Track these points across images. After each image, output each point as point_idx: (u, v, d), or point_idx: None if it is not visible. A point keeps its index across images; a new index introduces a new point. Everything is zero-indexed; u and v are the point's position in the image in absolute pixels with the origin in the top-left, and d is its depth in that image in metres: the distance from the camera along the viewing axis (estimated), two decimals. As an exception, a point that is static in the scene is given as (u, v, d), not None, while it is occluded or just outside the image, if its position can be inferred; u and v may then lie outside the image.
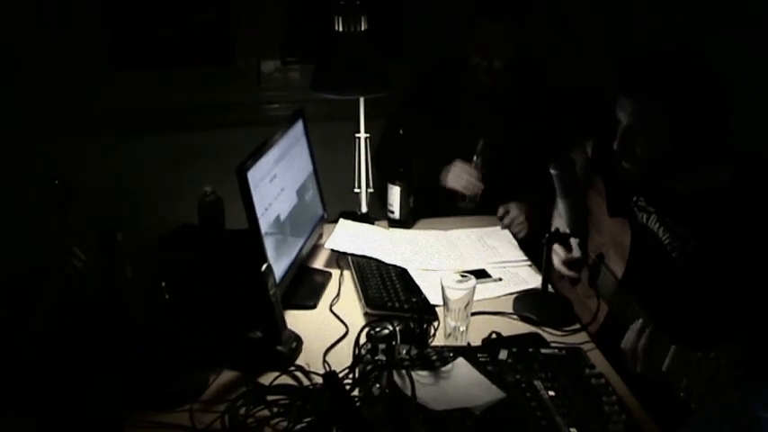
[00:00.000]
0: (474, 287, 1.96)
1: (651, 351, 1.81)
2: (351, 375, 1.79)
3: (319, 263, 2.45)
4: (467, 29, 2.85)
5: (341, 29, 2.41)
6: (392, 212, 2.66)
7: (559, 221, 2.34)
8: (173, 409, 1.76)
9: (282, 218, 2.13)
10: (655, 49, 3.00)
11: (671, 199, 2.03)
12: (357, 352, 1.81)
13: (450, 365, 1.80)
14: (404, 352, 1.79)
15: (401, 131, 2.59)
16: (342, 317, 2.14)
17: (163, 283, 1.83)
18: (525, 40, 2.84)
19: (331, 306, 2.20)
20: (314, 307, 2.20)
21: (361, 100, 2.58)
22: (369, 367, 1.73)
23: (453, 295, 1.94)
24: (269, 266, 1.89)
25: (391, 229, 2.65)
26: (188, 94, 3.38)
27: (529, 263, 2.45)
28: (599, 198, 2.31)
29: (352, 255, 2.37)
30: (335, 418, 1.63)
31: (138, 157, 3.33)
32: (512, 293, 2.27)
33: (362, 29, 2.41)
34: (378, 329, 1.84)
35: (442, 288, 1.95)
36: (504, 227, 2.72)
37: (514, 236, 2.66)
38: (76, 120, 3.20)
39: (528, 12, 2.86)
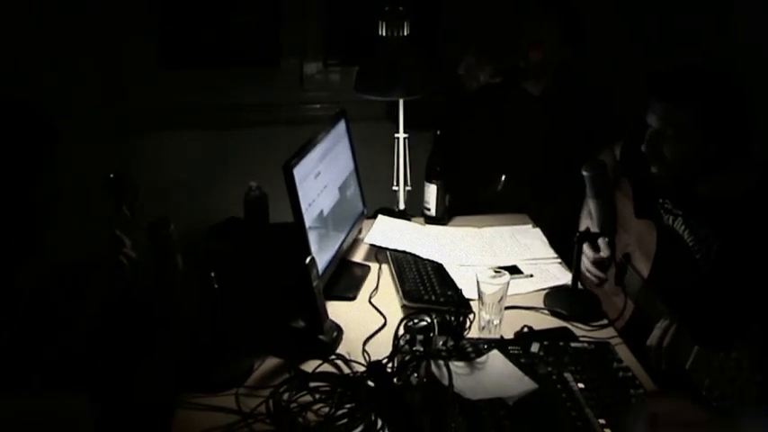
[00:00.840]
0: (508, 282, 2.04)
1: (675, 350, 1.88)
2: (390, 365, 1.88)
3: (359, 257, 2.55)
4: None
5: (384, 33, 2.51)
6: (428, 210, 2.74)
7: (588, 221, 2.42)
8: (219, 393, 1.84)
9: (325, 213, 2.23)
10: (684, 54, 3.05)
11: (696, 202, 2.10)
12: (396, 343, 1.90)
13: (484, 357, 1.89)
14: (440, 343, 1.88)
15: (438, 132, 2.67)
16: (380, 308, 2.23)
17: (212, 273, 1.92)
18: (572, 42, 2.91)
19: (370, 298, 2.29)
20: (353, 299, 2.29)
21: (401, 102, 2.67)
22: (407, 357, 1.82)
23: (488, 290, 2.03)
24: (312, 259, 1.98)
25: (427, 226, 2.73)
26: (233, 93, 3.48)
27: (559, 260, 2.53)
28: (626, 200, 2.38)
29: (391, 249, 2.46)
30: (378, 406, 1.72)
31: (184, 154, 3.44)
32: (542, 289, 2.34)
33: (405, 33, 2.51)
34: (416, 321, 1.93)
35: (478, 283, 2.04)
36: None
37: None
38: (127, 117, 3.33)
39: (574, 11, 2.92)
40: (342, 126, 2.46)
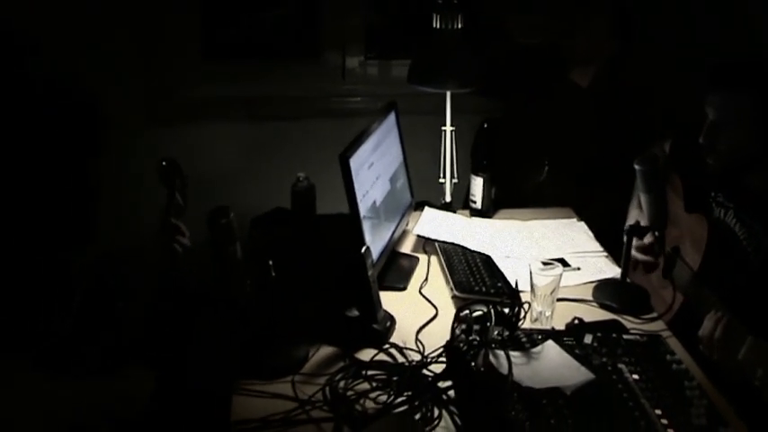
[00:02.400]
0: (561, 274, 2.06)
1: (727, 340, 1.89)
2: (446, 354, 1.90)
3: (406, 248, 2.57)
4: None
5: (438, 26, 2.53)
6: (474, 202, 2.76)
7: (636, 214, 2.43)
8: (276, 380, 1.87)
9: (378, 203, 2.25)
10: (737, 47, 3.06)
11: (749, 195, 2.12)
12: (454, 332, 1.92)
13: (540, 347, 1.91)
14: (495, 333, 1.90)
15: (485, 125, 2.68)
16: (431, 299, 2.25)
17: (270, 262, 1.95)
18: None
19: (420, 289, 2.32)
20: (404, 289, 2.32)
21: (448, 95, 2.69)
22: (464, 346, 1.84)
23: (541, 281, 2.05)
24: (368, 248, 2.00)
25: (473, 218, 2.75)
26: (275, 85, 3.53)
27: (605, 254, 2.54)
28: (674, 194, 2.39)
29: (439, 241, 2.49)
30: (436, 395, 1.75)
31: (224, 145, 3.48)
32: (590, 282, 2.36)
33: (459, 26, 2.53)
34: (471, 311, 1.95)
35: (531, 274, 2.06)
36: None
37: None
38: (171, 107, 3.37)
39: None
40: (392, 118, 2.48)
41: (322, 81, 3.60)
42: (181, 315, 2.28)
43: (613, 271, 2.40)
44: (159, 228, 2.10)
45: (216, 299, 2.11)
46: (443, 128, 2.74)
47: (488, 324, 1.87)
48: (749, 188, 2.12)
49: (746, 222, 2.11)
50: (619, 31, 2.90)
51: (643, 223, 2.29)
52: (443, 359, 1.90)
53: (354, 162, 2.06)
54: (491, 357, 1.80)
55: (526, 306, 2.01)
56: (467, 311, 1.96)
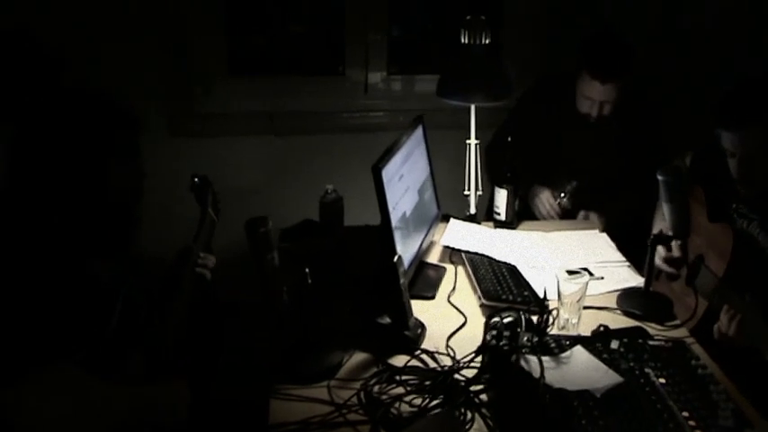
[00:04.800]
0: (587, 282, 2.12)
1: (751, 336, 1.97)
2: (480, 359, 1.96)
3: (433, 258, 2.63)
4: (574, 72, 3.02)
5: (466, 41, 2.61)
6: (498, 214, 2.82)
7: (661, 224, 2.48)
8: (312, 384, 1.93)
9: (408, 214, 2.31)
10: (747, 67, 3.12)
11: None
12: (485, 338, 1.97)
13: (569, 352, 1.97)
14: (524, 339, 1.95)
15: (509, 139, 2.75)
16: (459, 307, 2.31)
17: (306, 270, 2.01)
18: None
19: (448, 297, 2.37)
20: (432, 298, 2.37)
21: (472, 109, 2.76)
22: (496, 353, 1.89)
23: (568, 289, 2.10)
24: (399, 257, 2.06)
25: (498, 230, 2.81)
26: (299, 100, 3.61)
27: (627, 263, 2.59)
28: (698, 205, 2.45)
29: (466, 251, 2.55)
30: (469, 399, 1.80)
31: (252, 159, 3.56)
32: (613, 291, 2.41)
33: (487, 41, 2.61)
34: (502, 318, 2.00)
35: (558, 282, 2.11)
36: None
37: None
38: (200, 120, 3.48)
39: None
40: (419, 131, 2.55)
41: (345, 96, 3.68)
42: (212, 325, 2.34)
43: (636, 280, 2.45)
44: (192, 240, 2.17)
45: (249, 307, 2.15)
46: (467, 141, 2.80)
47: (519, 330, 1.93)
48: None
49: (771, 233, 2.17)
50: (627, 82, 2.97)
51: (666, 233, 2.35)
52: (476, 363, 1.96)
53: (386, 173, 2.11)
54: (522, 362, 1.85)
55: (555, 313, 2.07)
56: (497, 318, 2.02)
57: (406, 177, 2.32)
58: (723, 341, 2.04)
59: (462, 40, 2.63)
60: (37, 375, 1.58)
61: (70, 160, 1.78)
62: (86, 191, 1.81)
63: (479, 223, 2.85)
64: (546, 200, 3.06)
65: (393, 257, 2.03)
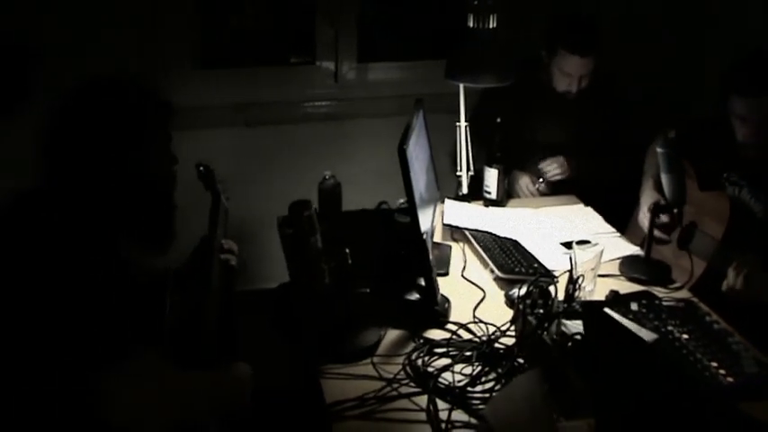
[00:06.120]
0: (602, 251, 2.23)
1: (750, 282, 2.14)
2: (513, 328, 2.06)
3: (435, 237, 2.69)
4: (547, 53, 3.16)
5: (473, 25, 2.72)
6: (488, 193, 2.91)
7: (651, 194, 2.62)
8: (356, 362, 1.99)
9: (423, 194, 2.38)
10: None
11: (762, 172, 2.35)
12: (517, 307, 2.06)
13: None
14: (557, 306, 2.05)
15: (498, 120, 2.85)
16: (474, 281, 2.40)
17: (347, 250, 2.06)
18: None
19: (462, 273, 2.46)
20: (446, 274, 2.45)
21: (461, 92, 2.87)
22: (535, 321, 1.98)
23: (583, 258, 2.21)
24: (427, 234, 2.13)
25: (490, 208, 2.91)
26: (270, 91, 3.61)
27: (618, 233, 2.74)
28: (687, 177, 2.60)
29: (469, 229, 2.64)
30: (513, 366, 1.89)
31: (224, 149, 3.54)
32: (613, 259, 2.53)
33: (493, 26, 2.72)
34: (530, 287, 2.09)
35: (573, 251, 2.22)
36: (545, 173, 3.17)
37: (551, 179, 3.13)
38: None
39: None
40: (421, 114, 2.61)
41: (316, 86, 3.71)
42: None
43: (630, 248, 2.60)
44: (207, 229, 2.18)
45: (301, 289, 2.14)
46: (458, 123, 2.90)
47: (551, 299, 2.02)
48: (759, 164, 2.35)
49: (761, 197, 2.34)
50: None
51: (662, 203, 2.49)
52: (512, 332, 2.05)
53: (408, 154, 2.16)
54: (563, 327, 1.95)
55: (580, 280, 2.18)
56: (522, 289, 2.12)
57: (417, 158, 2.38)
58: (731, 295, 2.19)
59: (469, 24, 2.73)
60: (119, 364, 1.59)
61: (111, 150, 1.77)
62: (130, 180, 1.81)
63: (470, 202, 2.94)
64: (525, 186, 3.20)
65: (421, 236, 2.10)
